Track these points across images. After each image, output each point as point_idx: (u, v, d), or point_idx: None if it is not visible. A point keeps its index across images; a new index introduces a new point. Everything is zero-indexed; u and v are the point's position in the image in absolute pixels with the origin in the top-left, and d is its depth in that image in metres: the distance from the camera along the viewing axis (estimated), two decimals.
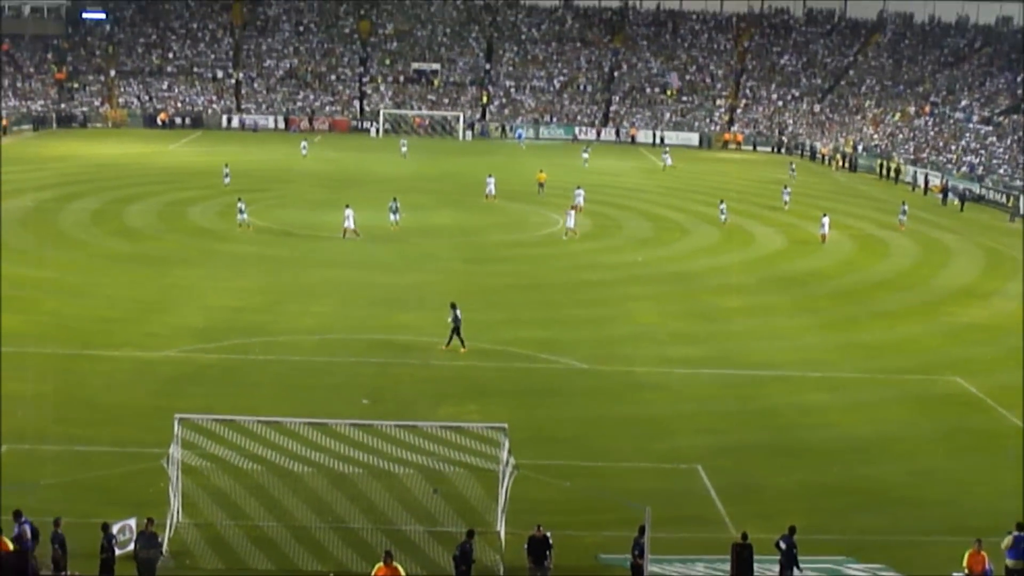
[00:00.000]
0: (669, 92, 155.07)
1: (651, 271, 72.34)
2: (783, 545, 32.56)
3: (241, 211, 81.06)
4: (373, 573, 31.24)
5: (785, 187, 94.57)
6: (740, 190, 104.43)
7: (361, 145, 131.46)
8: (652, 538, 31.54)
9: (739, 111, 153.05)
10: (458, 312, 54.35)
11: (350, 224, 78.47)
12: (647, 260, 75.42)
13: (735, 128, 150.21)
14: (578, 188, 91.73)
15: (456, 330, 54.26)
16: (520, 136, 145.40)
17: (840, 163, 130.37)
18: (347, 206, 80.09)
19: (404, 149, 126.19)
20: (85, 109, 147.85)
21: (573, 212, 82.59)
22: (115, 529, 33.65)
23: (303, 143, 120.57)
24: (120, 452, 40.29)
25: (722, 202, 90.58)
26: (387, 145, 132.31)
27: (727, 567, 33.16)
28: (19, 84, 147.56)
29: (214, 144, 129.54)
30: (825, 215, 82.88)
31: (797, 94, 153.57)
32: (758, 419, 47.16)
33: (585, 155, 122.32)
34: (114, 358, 52.67)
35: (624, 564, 33.98)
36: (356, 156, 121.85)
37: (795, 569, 32.59)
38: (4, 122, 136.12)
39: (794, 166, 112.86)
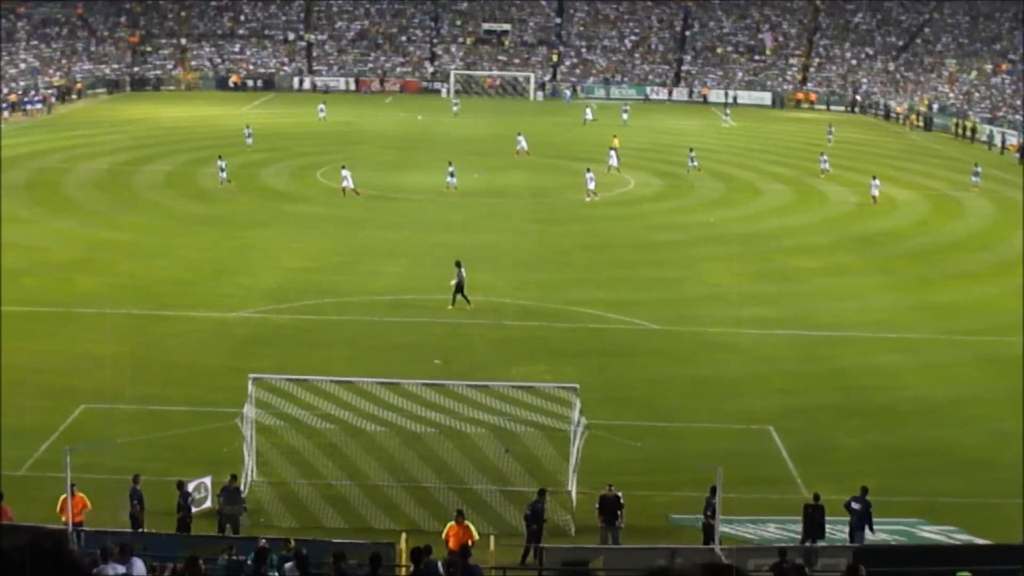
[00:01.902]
0: (770, 51, 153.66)
1: (723, 231, 72.01)
2: (855, 506, 32.54)
3: (222, 169, 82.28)
4: (445, 532, 31.46)
5: (822, 154, 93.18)
6: (813, 149, 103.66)
7: (431, 106, 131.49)
8: (723, 499, 31.60)
9: (812, 70, 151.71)
10: (463, 271, 54.43)
11: (348, 184, 78.89)
12: (719, 220, 75.08)
13: (808, 87, 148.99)
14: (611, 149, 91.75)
15: (459, 288, 54.23)
16: (567, 96, 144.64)
17: (915, 122, 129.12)
18: (343, 167, 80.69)
19: (456, 108, 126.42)
20: (158, 72, 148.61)
21: (591, 175, 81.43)
22: (190, 487, 34.07)
23: (320, 105, 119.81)
24: (195, 411, 40.75)
25: (824, 155, 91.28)
26: (461, 105, 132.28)
27: (799, 528, 33.20)
28: (93, 48, 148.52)
29: (286, 106, 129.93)
30: (875, 177, 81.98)
31: (871, 52, 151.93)
32: (830, 380, 47.08)
33: (624, 115, 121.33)
34: (189, 319, 53.19)
35: (695, 524, 34.06)
36: (426, 117, 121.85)
37: (869, 530, 32.55)
38: (79, 85, 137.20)
39: (832, 128, 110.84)
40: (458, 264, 54.59)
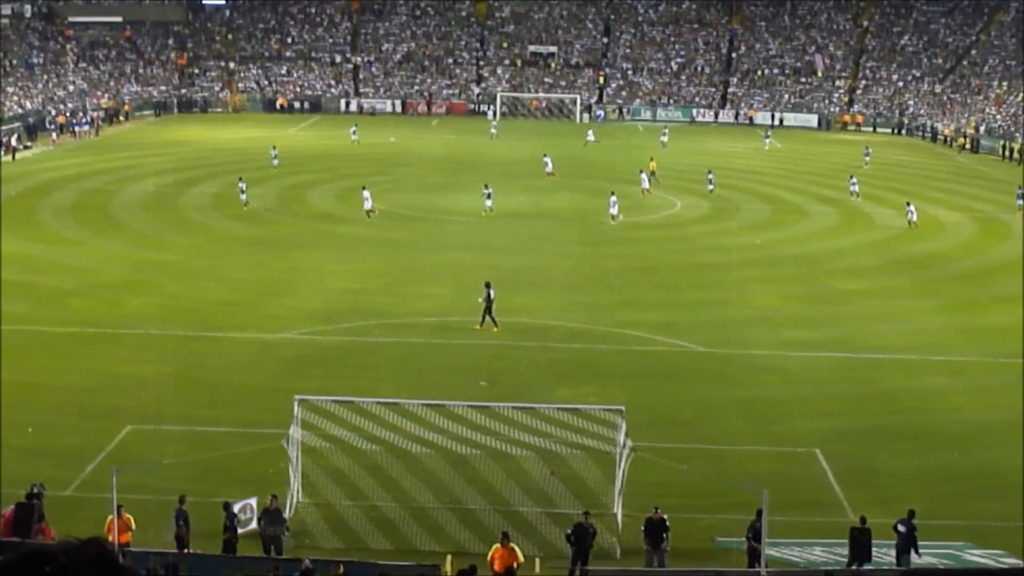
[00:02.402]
0: (820, 73, 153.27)
1: (769, 253, 71.87)
2: (901, 528, 32.38)
3: (242, 191, 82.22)
4: (490, 554, 31.46)
5: (851, 176, 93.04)
6: (860, 172, 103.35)
7: (478, 128, 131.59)
8: (769, 521, 31.46)
9: (859, 92, 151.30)
10: (491, 292, 54.50)
11: (368, 205, 78.80)
12: (765, 242, 74.92)
13: (855, 109, 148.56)
14: (641, 172, 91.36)
15: (488, 309, 54.33)
16: (600, 117, 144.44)
17: (963, 143, 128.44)
18: (364, 188, 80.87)
19: (493, 131, 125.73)
20: (205, 94, 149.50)
21: (614, 199, 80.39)
22: (236, 508, 34.15)
23: (352, 128, 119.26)
24: (241, 432, 40.88)
25: (852, 177, 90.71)
26: (503, 128, 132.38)
27: (845, 551, 33.05)
28: (141, 70, 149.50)
29: (332, 128, 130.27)
30: (909, 203, 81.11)
31: (918, 74, 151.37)
32: (877, 403, 46.83)
33: (664, 137, 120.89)
34: (235, 340, 53.41)
35: (741, 547, 33.95)
36: (473, 139, 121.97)
37: (914, 553, 32.39)
38: (127, 107, 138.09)
39: (869, 150, 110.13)
40: (487, 285, 54.71)
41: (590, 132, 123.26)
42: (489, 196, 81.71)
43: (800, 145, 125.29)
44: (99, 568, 2.78)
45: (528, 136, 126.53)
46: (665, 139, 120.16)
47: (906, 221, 78.89)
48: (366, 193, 79.61)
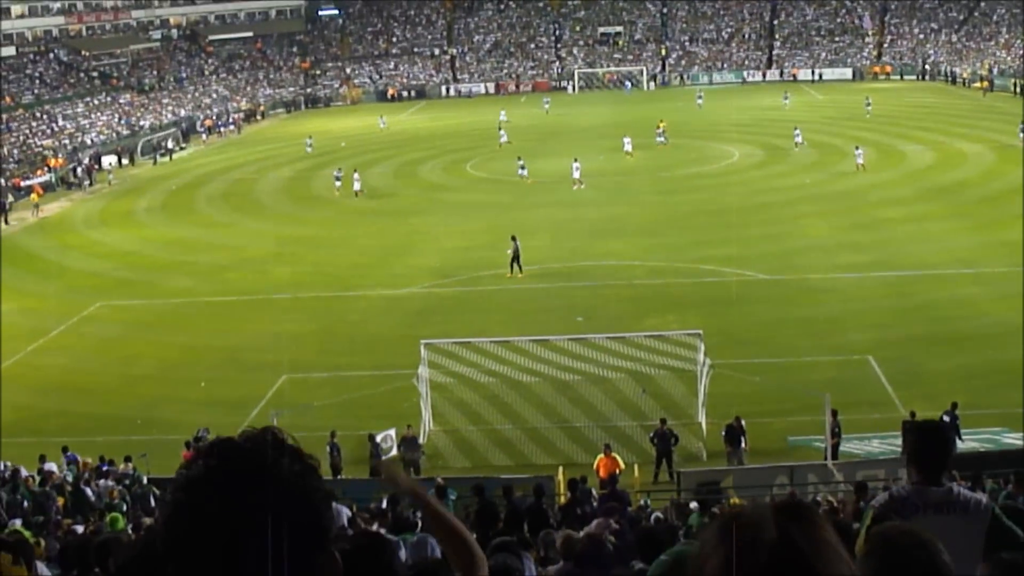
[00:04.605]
0: (872, 32, 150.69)
1: (818, 191, 71.06)
2: (947, 419, 32.13)
3: (337, 178, 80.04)
4: (596, 463, 31.64)
5: (795, 128, 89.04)
6: (890, 115, 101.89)
7: (560, 101, 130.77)
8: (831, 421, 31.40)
9: (886, 46, 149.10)
10: (518, 243, 54.40)
11: (356, 187, 77.39)
12: (814, 181, 74.09)
13: (884, 60, 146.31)
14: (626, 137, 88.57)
15: (515, 258, 54.16)
16: (627, 87, 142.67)
17: (986, 86, 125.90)
18: (355, 170, 79.38)
19: (546, 105, 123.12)
20: (327, 91, 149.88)
21: (577, 164, 76.54)
22: (379, 438, 34.55)
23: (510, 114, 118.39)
24: (378, 375, 41.21)
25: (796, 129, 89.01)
26: (582, 100, 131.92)
27: (899, 442, 32.81)
28: (272, 75, 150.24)
29: (437, 111, 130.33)
30: (858, 147, 78.57)
31: (936, 27, 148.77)
32: (919, 313, 46.44)
33: (699, 100, 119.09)
34: (367, 297, 53.81)
35: (810, 444, 33.89)
36: (557, 111, 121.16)
37: (959, 439, 32.14)
38: (262, 108, 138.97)
39: (870, 100, 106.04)
40: (513, 238, 54.73)
41: (699, 97, 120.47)
42: (523, 167, 79.28)
43: (838, 95, 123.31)
44: (278, 448, 2.90)
45: (603, 103, 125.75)
46: (700, 102, 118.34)
47: (855, 164, 76.44)
48: (356, 175, 78.38)
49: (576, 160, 76.94)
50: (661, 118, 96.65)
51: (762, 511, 2.82)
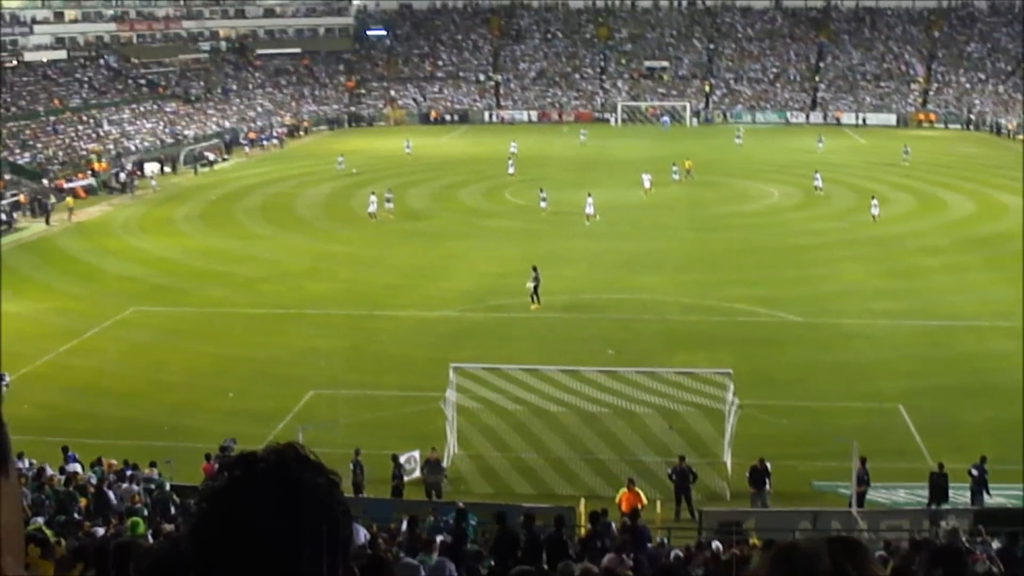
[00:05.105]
0: (920, 80, 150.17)
1: (855, 235, 70.71)
2: (975, 472, 31.92)
3: (388, 200, 79.28)
4: (618, 497, 31.47)
5: (815, 172, 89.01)
6: (931, 163, 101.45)
7: (600, 133, 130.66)
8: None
9: (931, 93, 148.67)
10: (538, 274, 54.26)
11: (372, 208, 77.11)
12: (851, 226, 73.76)
13: (928, 108, 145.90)
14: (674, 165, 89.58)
15: (535, 289, 54.04)
16: (665, 122, 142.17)
17: None
18: (372, 192, 79.19)
19: (583, 137, 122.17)
20: (371, 111, 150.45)
21: (591, 200, 75.21)
22: (402, 459, 34.49)
23: (582, 132, 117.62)
24: (405, 396, 41.20)
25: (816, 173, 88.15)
26: (622, 132, 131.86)
27: (925, 493, 32.63)
28: (316, 92, 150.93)
29: (479, 136, 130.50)
30: (874, 197, 77.48)
31: (983, 77, 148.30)
32: (952, 364, 46.12)
33: (738, 140, 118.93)
34: (399, 317, 53.81)
35: (835, 490, 33.66)
36: (598, 142, 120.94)
37: (986, 494, 31.90)
38: (306, 123, 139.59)
39: (908, 149, 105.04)
40: (534, 268, 54.56)
41: (582, 133, 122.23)
42: (544, 199, 78.83)
43: (881, 141, 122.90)
44: (301, 462, 2.91)
45: (644, 137, 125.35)
46: (739, 141, 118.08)
47: (870, 215, 74.96)
48: (372, 197, 78.20)
49: (590, 194, 76.01)
50: (688, 157, 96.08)
51: (817, 544, 2.98)
